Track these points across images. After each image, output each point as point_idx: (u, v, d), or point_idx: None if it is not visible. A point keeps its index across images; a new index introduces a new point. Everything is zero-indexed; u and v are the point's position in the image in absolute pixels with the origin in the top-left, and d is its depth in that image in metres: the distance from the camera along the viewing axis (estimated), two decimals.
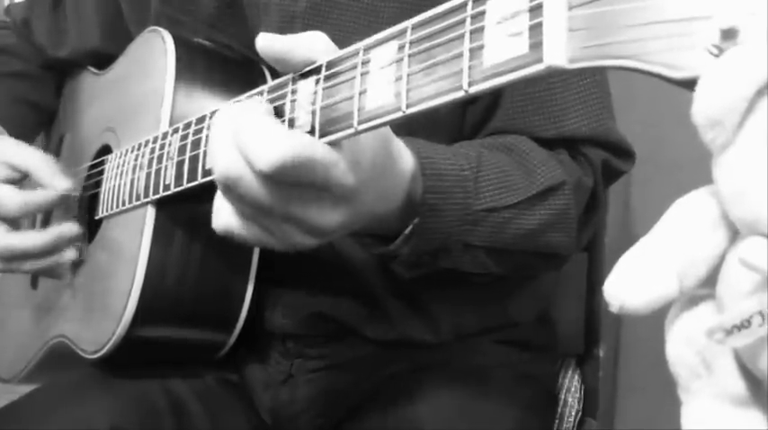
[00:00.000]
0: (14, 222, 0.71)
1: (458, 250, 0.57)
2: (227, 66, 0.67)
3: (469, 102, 0.66)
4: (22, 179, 0.72)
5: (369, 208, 0.47)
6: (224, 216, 0.46)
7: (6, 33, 0.90)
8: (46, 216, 0.80)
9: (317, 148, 0.41)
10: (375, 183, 0.46)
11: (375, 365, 0.71)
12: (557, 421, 0.79)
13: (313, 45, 0.43)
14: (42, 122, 0.90)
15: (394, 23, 0.50)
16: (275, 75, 0.67)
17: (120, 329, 0.60)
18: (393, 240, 0.54)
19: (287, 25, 0.66)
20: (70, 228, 0.70)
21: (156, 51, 0.67)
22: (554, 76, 0.62)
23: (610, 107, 0.67)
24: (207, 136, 0.52)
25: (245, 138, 0.41)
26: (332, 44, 0.44)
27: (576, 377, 0.83)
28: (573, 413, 0.79)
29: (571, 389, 0.81)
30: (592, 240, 0.81)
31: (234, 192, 0.43)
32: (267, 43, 0.43)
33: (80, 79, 0.86)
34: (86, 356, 0.65)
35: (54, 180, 0.70)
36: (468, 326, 0.72)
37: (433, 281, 0.60)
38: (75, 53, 0.85)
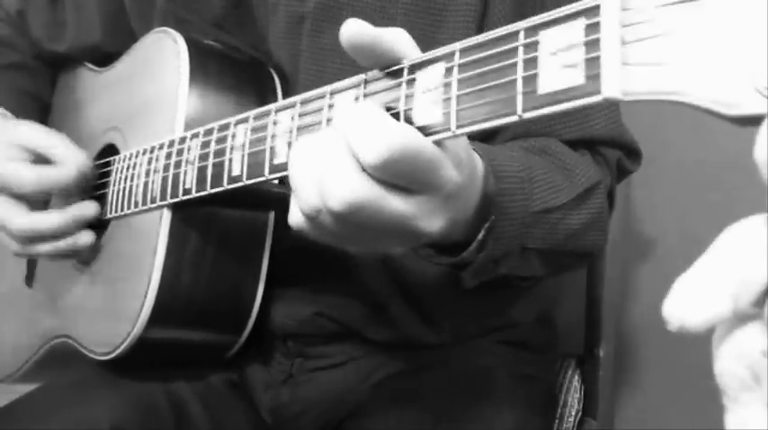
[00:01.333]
0: (32, 203, 0.68)
1: (516, 254, 0.56)
2: (238, 67, 0.67)
3: None
4: (36, 161, 0.69)
5: (460, 213, 0.45)
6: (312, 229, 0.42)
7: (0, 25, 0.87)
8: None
9: (425, 140, 0.38)
10: (469, 182, 0.44)
11: (375, 365, 0.71)
12: (557, 421, 0.79)
13: (399, 39, 0.41)
14: (44, 116, 0.87)
15: (403, 24, 0.51)
16: (282, 77, 0.68)
17: (136, 331, 0.60)
18: (449, 250, 0.52)
19: (294, 26, 0.65)
20: (91, 206, 0.68)
21: (166, 52, 0.66)
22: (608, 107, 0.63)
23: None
24: (232, 145, 0.52)
25: (352, 132, 0.38)
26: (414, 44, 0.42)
27: (576, 377, 0.83)
28: (573, 413, 0.80)
29: (571, 389, 0.82)
30: None
31: (356, 216, 0.39)
32: (359, 29, 0.40)
33: (76, 75, 0.84)
34: (96, 357, 0.65)
35: (68, 154, 0.67)
36: (469, 326, 0.73)
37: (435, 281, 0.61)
38: (74, 48, 0.83)
